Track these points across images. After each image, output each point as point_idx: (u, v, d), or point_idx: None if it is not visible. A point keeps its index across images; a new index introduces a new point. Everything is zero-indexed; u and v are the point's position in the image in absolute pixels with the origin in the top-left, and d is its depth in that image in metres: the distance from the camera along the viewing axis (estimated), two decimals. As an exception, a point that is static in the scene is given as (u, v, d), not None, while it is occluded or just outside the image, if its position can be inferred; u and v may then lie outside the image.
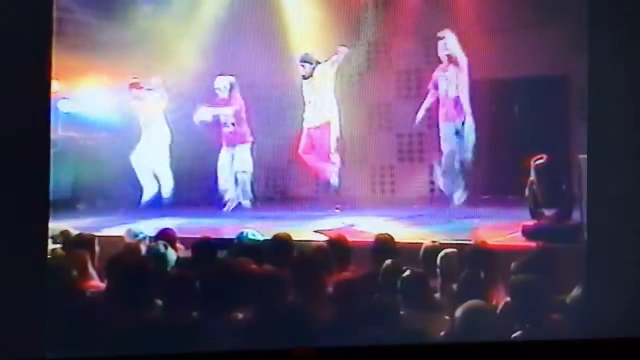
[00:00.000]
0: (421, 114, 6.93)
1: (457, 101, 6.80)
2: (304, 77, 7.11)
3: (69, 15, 7.22)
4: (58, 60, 6.78)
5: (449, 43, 6.83)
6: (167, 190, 7.56)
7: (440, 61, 6.96)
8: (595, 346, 3.48)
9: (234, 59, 7.45)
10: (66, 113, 7.88)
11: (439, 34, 6.90)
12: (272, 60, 7.39)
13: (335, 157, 7.01)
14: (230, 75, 7.53)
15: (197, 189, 7.63)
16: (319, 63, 7.09)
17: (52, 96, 7.64)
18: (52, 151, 7.72)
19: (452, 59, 6.84)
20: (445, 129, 6.83)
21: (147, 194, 7.57)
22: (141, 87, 7.59)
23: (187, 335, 3.70)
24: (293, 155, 7.30)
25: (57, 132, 7.87)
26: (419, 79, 7.95)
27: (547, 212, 5.57)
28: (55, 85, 7.57)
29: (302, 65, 7.06)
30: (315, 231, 6.55)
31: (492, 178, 6.91)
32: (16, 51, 3.89)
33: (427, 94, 7.04)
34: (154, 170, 7.60)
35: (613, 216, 3.93)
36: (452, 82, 6.78)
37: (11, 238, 3.83)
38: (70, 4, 7.11)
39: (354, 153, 7.88)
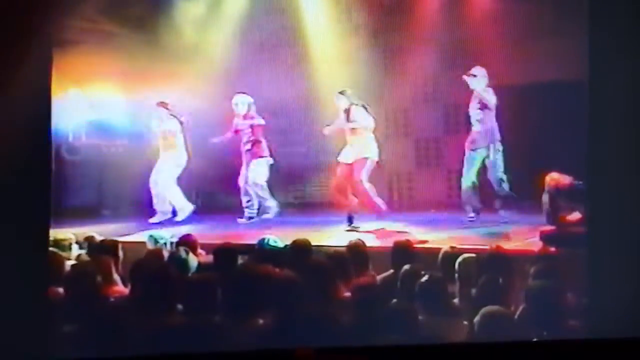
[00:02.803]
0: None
1: (483, 134, 6.84)
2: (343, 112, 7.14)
3: (93, 25, 7.34)
4: (81, 68, 6.96)
5: (478, 82, 6.83)
6: (182, 214, 7.62)
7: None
8: (606, 346, 3.50)
9: (254, 81, 7.54)
10: (90, 121, 8.01)
11: (471, 71, 6.87)
12: (289, 79, 7.44)
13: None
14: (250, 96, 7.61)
15: (216, 204, 7.70)
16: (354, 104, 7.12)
17: (77, 104, 7.84)
18: (76, 158, 7.92)
19: (480, 97, 6.87)
20: (470, 157, 6.89)
21: (163, 216, 7.63)
22: (167, 109, 7.66)
23: (207, 340, 3.76)
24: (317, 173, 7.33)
25: (81, 139, 8.02)
26: (435, 85, 7.96)
27: (568, 217, 5.56)
28: (79, 93, 7.73)
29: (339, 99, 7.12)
30: (349, 230, 6.62)
31: (510, 184, 6.92)
32: (18, 60, 3.97)
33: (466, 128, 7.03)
34: (170, 192, 7.63)
35: (614, 219, 3.95)
36: (480, 116, 6.85)
37: (16, 244, 3.92)
38: (94, 14, 7.22)
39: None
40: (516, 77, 7.28)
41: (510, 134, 6.93)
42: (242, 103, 7.52)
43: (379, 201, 7.07)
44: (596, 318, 3.86)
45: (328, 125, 7.21)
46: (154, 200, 7.62)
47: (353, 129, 7.06)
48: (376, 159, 7.12)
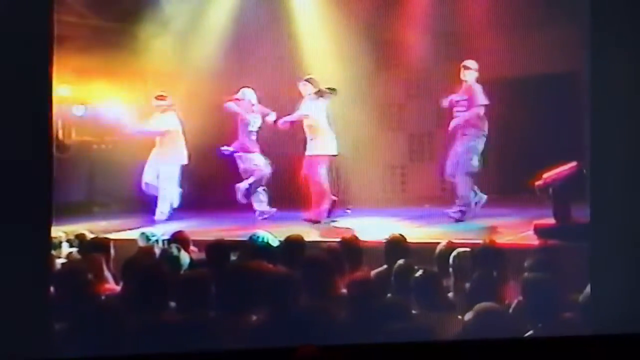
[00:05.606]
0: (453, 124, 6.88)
1: (468, 124, 6.80)
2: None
3: (83, 20, 7.29)
4: (72, 64, 6.91)
5: (470, 75, 6.76)
6: (175, 206, 7.57)
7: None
8: (604, 343, 3.49)
9: (248, 76, 7.49)
10: (80, 117, 7.95)
11: (464, 63, 6.79)
12: (279, 72, 7.42)
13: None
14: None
15: (211, 197, 7.66)
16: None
17: (66, 101, 7.79)
18: (65, 155, 7.85)
19: (468, 88, 6.82)
20: (459, 148, 6.85)
21: (160, 211, 7.57)
22: (166, 100, 7.57)
23: (201, 337, 3.74)
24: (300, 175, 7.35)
25: (71, 136, 7.97)
26: (427, 78, 7.96)
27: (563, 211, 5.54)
28: (69, 90, 7.67)
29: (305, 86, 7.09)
30: (329, 229, 6.63)
31: (504, 177, 6.91)
32: (18, 57, 3.92)
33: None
34: (165, 187, 7.56)
35: (616, 215, 3.93)
36: (463, 107, 6.81)
37: (16, 242, 3.88)
38: (83, 9, 7.17)
39: (365, 153, 7.90)
40: (511, 69, 7.28)
41: (503, 127, 6.91)
42: (251, 96, 7.46)
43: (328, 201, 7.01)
44: (595, 312, 3.84)
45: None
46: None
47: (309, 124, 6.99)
48: (335, 153, 7.07)
